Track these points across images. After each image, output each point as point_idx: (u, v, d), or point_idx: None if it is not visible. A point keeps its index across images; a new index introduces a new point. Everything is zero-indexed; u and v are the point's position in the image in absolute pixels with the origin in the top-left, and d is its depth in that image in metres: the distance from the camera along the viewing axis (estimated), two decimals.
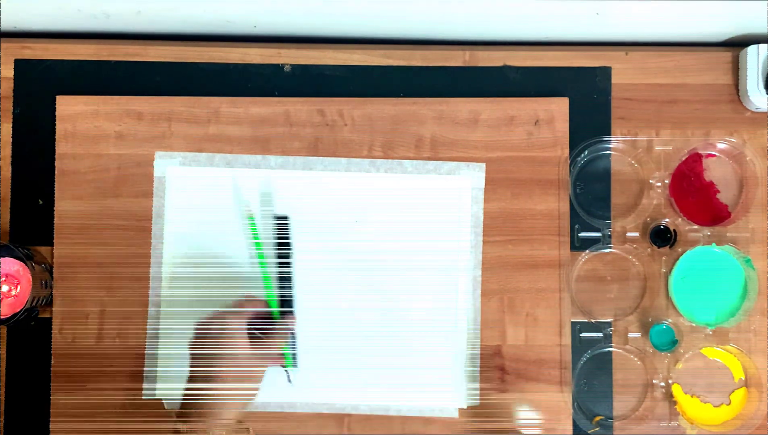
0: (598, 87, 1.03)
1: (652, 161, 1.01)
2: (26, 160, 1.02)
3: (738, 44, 1.03)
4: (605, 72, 1.03)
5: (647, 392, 1.00)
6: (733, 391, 1.00)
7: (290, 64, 1.03)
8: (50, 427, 0.99)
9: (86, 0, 0.98)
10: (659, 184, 1.01)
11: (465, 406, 1.00)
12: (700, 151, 1.02)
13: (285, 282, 0.99)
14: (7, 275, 0.95)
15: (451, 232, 1.01)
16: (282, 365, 0.98)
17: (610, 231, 1.01)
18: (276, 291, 0.98)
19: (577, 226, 1.01)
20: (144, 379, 1.00)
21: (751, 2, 0.95)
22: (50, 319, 1.00)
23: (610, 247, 1.01)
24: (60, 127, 1.02)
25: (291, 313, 0.98)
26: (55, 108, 1.02)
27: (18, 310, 0.95)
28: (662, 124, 1.03)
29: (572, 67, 1.03)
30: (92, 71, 1.03)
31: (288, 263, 0.99)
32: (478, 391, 1.00)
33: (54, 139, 1.02)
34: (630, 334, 1.00)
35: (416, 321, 1.00)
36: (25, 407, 1.00)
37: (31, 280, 0.95)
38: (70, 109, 1.02)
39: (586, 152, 1.02)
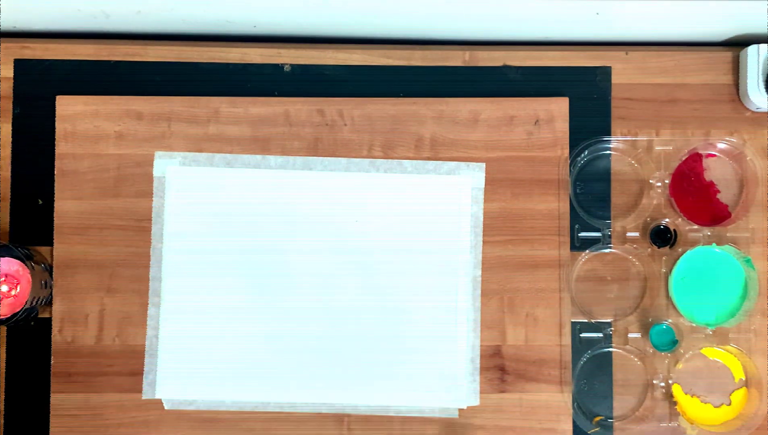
0: (598, 87, 1.03)
1: (652, 161, 1.01)
2: (26, 160, 1.02)
3: (738, 44, 1.03)
4: (605, 72, 1.03)
5: (647, 392, 1.00)
6: (733, 392, 1.00)
7: (290, 64, 1.03)
8: (50, 427, 0.99)
9: (86, 0, 0.98)
10: (659, 184, 1.01)
11: (465, 406, 1.00)
12: (700, 151, 1.02)
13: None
14: (6, 275, 0.95)
15: (450, 232, 1.01)
16: None
17: (610, 231, 1.01)
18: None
19: (577, 226, 1.01)
20: (144, 379, 1.00)
21: (751, 2, 0.95)
22: (50, 319, 1.00)
23: (610, 247, 1.01)
24: (60, 127, 1.02)
25: None
26: (55, 108, 1.02)
27: (18, 310, 0.94)
28: (662, 124, 1.03)
29: (572, 67, 1.03)
30: (92, 71, 1.03)
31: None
32: (478, 391, 1.00)
33: (54, 139, 1.02)
34: (630, 334, 1.00)
35: (416, 321, 1.00)
36: (25, 407, 1.00)
37: (30, 280, 0.95)
38: (69, 109, 1.02)
39: (586, 152, 1.02)
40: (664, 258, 1.01)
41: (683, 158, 1.01)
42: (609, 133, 1.02)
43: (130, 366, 1.00)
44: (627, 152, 1.02)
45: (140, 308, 1.00)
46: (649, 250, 1.01)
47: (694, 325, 0.99)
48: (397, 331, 1.00)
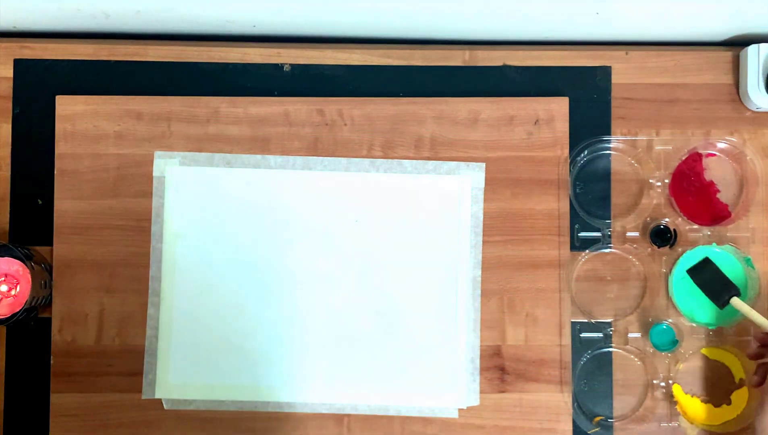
0: (598, 87, 1.03)
1: (652, 161, 1.01)
2: (26, 160, 1.02)
3: (738, 44, 1.03)
4: (605, 72, 1.03)
5: (647, 392, 1.00)
6: (733, 392, 1.00)
7: (290, 64, 1.03)
8: (50, 427, 0.99)
9: (86, 0, 0.98)
10: (659, 183, 1.01)
11: (465, 406, 1.00)
12: (700, 151, 1.01)
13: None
14: (6, 275, 0.95)
15: (450, 231, 1.01)
16: None
17: (610, 231, 1.01)
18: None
19: (577, 226, 1.01)
20: (144, 379, 1.00)
21: (752, 2, 0.95)
22: (50, 319, 1.00)
23: (610, 247, 1.01)
24: (59, 127, 1.02)
25: None
26: (54, 108, 1.02)
27: (17, 310, 0.94)
28: (662, 124, 1.03)
29: (572, 67, 1.03)
30: (92, 71, 1.03)
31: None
32: (478, 391, 1.00)
33: (53, 139, 1.02)
34: (630, 334, 1.00)
35: (416, 321, 1.00)
36: (24, 407, 1.00)
37: (30, 280, 0.95)
38: (69, 109, 1.02)
39: (586, 152, 1.02)
40: (664, 258, 1.00)
41: (683, 158, 1.01)
42: (609, 133, 1.02)
43: (129, 366, 1.00)
44: (627, 152, 1.02)
45: (140, 308, 1.00)
46: (649, 250, 1.01)
47: (694, 325, 0.99)
48: (396, 330, 1.00)
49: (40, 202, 1.02)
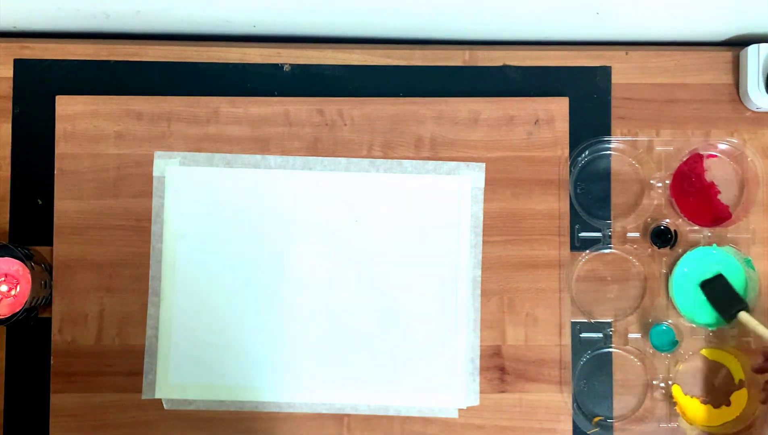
0: (598, 87, 1.03)
1: (653, 161, 1.01)
2: (26, 160, 1.02)
3: (738, 44, 1.02)
4: (605, 72, 1.03)
5: (647, 393, 1.00)
6: (733, 392, 1.00)
7: (290, 64, 1.03)
8: (50, 427, 0.99)
9: (86, 0, 0.98)
10: (660, 184, 1.01)
11: (465, 406, 1.00)
12: (700, 152, 1.01)
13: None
14: (6, 275, 0.95)
15: (450, 231, 1.01)
16: None
17: (610, 231, 1.01)
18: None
19: (577, 226, 1.01)
20: (143, 379, 1.00)
21: (752, 2, 0.95)
22: (50, 319, 1.00)
23: (610, 248, 1.01)
24: (59, 127, 1.02)
25: None
26: (54, 108, 1.02)
27: (17, 310, 0.95)
28: (662, 124, 1.02)
29: (572, 67, 1.03)
30: (91, 71, 1.03)
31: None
32: (478, 391, 1.00)
33: (53, 139, 1.02)
34: (630, 335, 1.00)
35: (416, 321, 1.00)
36: (24, 407, 1.00)
37: (30, 280, 0.95)
38: (69, 109, 1.02)
39: (586, 152, 1.02)
40: (664, 259, 1.00)
41: (684, 158, 1.00)
42: (609, 133, 1.02)
43: (129, 366, 1.00)
44: (627, 152, 1.02)
45: (140, 308, 1.00)
46: (650, 250, 1.01)
47: (694, 325, 0.99)
48: (396, 330, 1.00)
49: (40, 202, 1.02)
